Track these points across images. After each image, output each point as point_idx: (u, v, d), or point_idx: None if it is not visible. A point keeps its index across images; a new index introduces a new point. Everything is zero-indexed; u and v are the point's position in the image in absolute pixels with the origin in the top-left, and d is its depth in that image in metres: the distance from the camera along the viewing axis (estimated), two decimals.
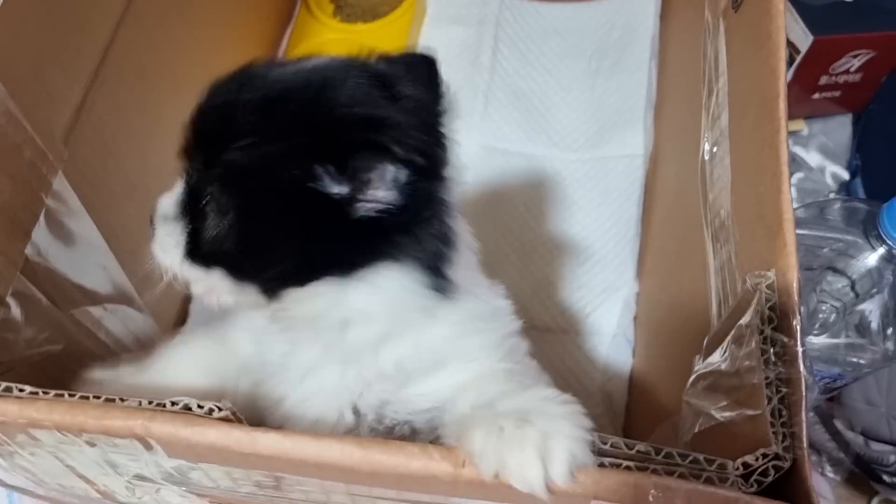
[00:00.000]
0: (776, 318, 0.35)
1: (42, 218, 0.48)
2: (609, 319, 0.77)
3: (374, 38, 0.88)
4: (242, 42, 0.80)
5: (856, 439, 0.67)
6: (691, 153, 0.65)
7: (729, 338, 0.39)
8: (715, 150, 0.48)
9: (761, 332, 0.35)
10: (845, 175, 0.82)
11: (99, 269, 0.57)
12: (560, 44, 0.92)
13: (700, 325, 0.54)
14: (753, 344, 0.35)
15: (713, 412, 0.39)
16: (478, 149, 0.86)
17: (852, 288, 0.59)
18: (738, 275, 0.41)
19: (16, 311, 0.46)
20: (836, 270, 0.63)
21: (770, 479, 0.32)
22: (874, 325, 0.56)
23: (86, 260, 0.54)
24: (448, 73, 0.92)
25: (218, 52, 0.74)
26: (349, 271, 0.37)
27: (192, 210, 0.40)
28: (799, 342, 0.34)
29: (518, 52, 0.92)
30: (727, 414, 0.37)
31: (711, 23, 0.53)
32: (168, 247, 0.41)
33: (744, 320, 0.37)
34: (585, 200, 0.84)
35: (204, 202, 0.39)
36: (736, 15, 0.48)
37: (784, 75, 0.40)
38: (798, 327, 0.34)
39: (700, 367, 0.43)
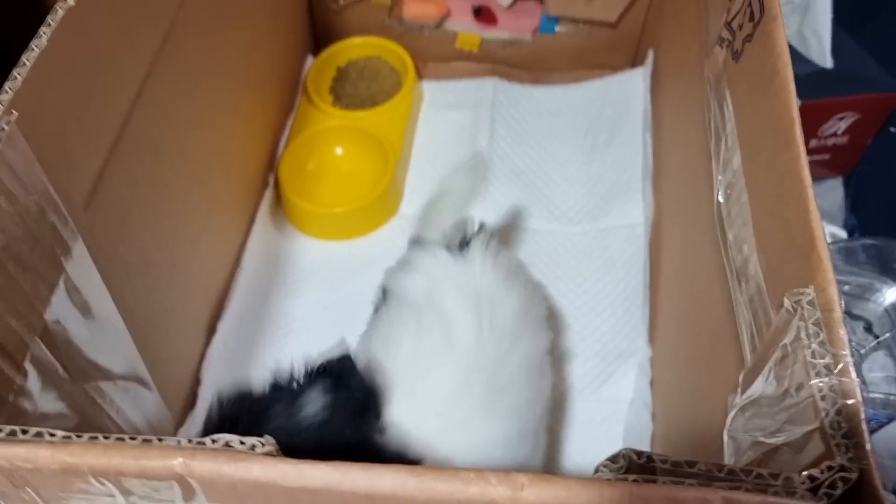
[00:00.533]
0: (821, 332, 0.35)
1: (62, 283, 0.47)
2: (625, 386, 0.76)
3: (374, 125, 0.91)
4: (248, 126, 0.82)
5: (888, 497, 0.65)
6: (697, 210, 0.67)
7: (771, 362, 0.38)
8: (730, 191, 0.49)
9: (808, 347, 0.34)
10: (843, 234, 0.83)
11: (113, 345, 0.56)
12: (554, 123, 0.96)
13: (725, 372, 0.54)
14: (801, 360, 0.35)
15: (764, 439, 0.38)
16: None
17: (869, 330, 0.60)
18: (770, 303, 0.41)
19: (33, 379, 0.45)
20: (851, 315, 0.63)
21: (839, 491, 0.31)
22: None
23: (101, 333, 0.53)
24: (448, 154, 0.95)
25: (225, 135, 0.76)
26: None
27: None
28: (848, 352, 0.34)
29: (514, 133, 0.95)
30: (781, 436, 0.36)
31: (712, 79, 0.55)
32: None
33: (787, 339, 0.36)
34: (590, 271, 0.85)
35: None
36: (737, 65, 0.51)
37: (796, 106, 0.41)
38: (845, 338, 0.34)
39: (740, 400, 0.42)
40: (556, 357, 0.72)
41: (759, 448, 0.38)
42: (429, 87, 0.99)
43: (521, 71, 1.01)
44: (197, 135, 0.68)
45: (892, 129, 0.85)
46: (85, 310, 0.51)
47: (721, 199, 0.50)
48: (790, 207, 0.40)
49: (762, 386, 0.39)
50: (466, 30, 1.00)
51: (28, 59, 0.42)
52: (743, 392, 0.43)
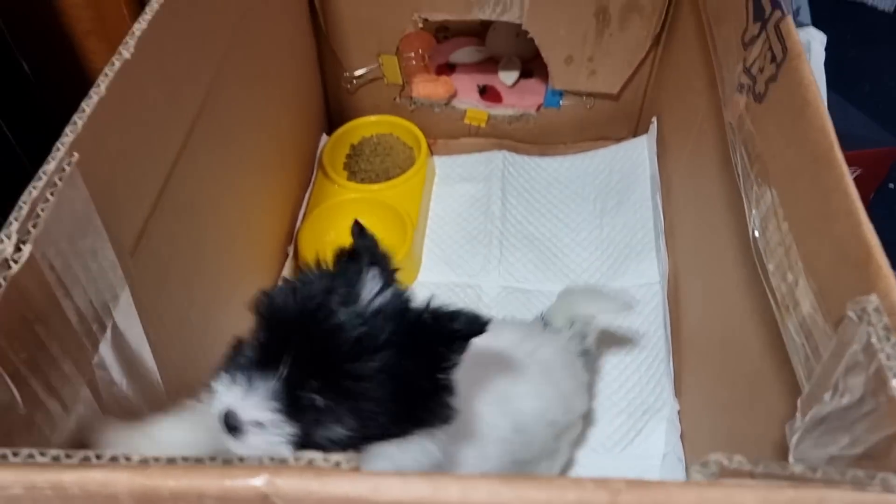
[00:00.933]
0: (892, 335, 0.35)
1: (109, 330, 0.46)
2: (655, 441, 0.75)
3: (389, 196, 0.92)
4: (271, 198, 0.83)
5: None
6: (719, 259, 0.68)
7: (838, 374, 0.38)
8: (766, 224, 0.51)
9: (882, 351, 0.35)
10: None
11: (147, 397, 0.54)
12: (563, 191, 0.98)
13: (769, 408, 0.54)
14: (875, 364, 0.35)
15: (840, 452, 0.37)
16: (499, 290, 0.88)
17: None
18: (826, 320, 0.42)
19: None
20: None
21: None
22: None
23: (140, 386, 0.52)
24: (463, 224, 0.97)
25: (250, 205, 0.77)
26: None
27: (293, 409, 0.43)
28: None
29: (525, 201, 0.97)
30: (860, 445, 0.36)
31: (735, 124, 0.57)
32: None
33: (856, 347, 0.37)
34: (611, 330, 0.85)
35: (312, 402, 0.44)
36: (761, 105, 0.53)
37: (832, 131, 0.43)
38: None
39: (804, 422, 0.42)
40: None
41: (837, 463, 0.37)
42: (440, 162, 1.02)
43: (528, 144, 1.04)
44: (227, 201, 0.69)
45: (892, 186, 0.88)
46: (127, 360, 0.50)
47: (757, 234, 0.52)
48: (840, 224, 0.41)
49: (830, 401, 0.39)
50: (474, 107, 1.03)
51: (87, 105, 0.44)
52: (804, 415, 0.42)
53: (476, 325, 0.46)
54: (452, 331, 0.45)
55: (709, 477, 0.31)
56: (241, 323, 0.76)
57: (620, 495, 0.30)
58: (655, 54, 0.93)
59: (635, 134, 1.02)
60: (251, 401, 0.43)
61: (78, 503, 0.31)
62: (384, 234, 0.90)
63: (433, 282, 0.90)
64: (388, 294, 0.46)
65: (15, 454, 0.31)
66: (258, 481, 0.30)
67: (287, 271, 0.86)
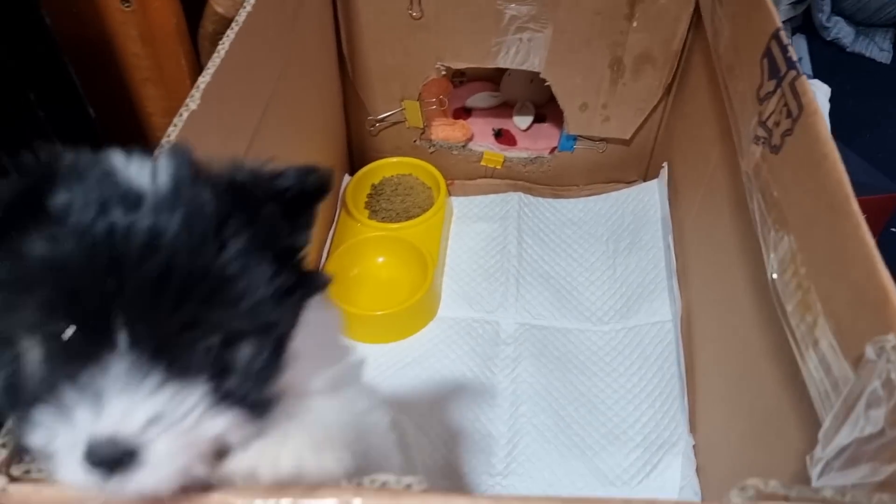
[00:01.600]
0: None
1: None
2: (671, 475, 0.77)
3: (410, 235, 0.96)
4: None
5: None
6: (734, 299, 0.71)
7: (860, 407, 0.41)
8: (784, 267, 0.54)
9: None
10: None
11: None
12: (577, 231, 1.02)
13: (788, 441, 0.57)
14: (895, 398, 0.38)
15: (861, 481, 0.40)
16: (516, 326, 0.91)
17: None
18: (845, 357, 0.45)
19: None
20: None
21: None
22: None
23: None
24: (481, 261, 1.00)
25: None
26: None
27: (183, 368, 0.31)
28: None
29: (540, 241, 1.01)
30: (881, 474, 0.39)
31: (751, 173, 0.61)
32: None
33: (876, 383, 0.40)
34: (624, 367, 0.88)
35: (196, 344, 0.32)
36: (777, 157, 0.57)
37: (849, 184, 0.47)
38: None
39: (825, 453, 0.45)
40: None
41: (860, 490, 0.40)
42: (458, 202, 1.05)
43: (542, 186, 1.08)
44: None
45: (893, 230, 0.92)
46: None
47: (775, 276, 0.55)
48: (857, 268, 0.44)
49: (851, 433, 0.42)
50: (490, 150, 1.07)
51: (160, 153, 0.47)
52: (825, 447, 0.45)
53: (310, 177, 0.35)
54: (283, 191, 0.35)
55: (747, 500, 0.34)
56: None
57: None
58: (666, 103, 0.98)
59: (645, 178, 1.07)
60: (138, 409, 0.29)
61: None
62: (407, 270, 0.93)
63: (452, 317, 0.93)
64: (182, 171, 0.34)
65: None
66: (337, 501, 0.33)
67: None
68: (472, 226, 1.03)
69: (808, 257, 0.51)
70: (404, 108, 1.01)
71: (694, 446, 0.78)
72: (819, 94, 0.91)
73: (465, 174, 1.08)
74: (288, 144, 0.79)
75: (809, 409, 0.51)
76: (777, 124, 0.57)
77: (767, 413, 0.62)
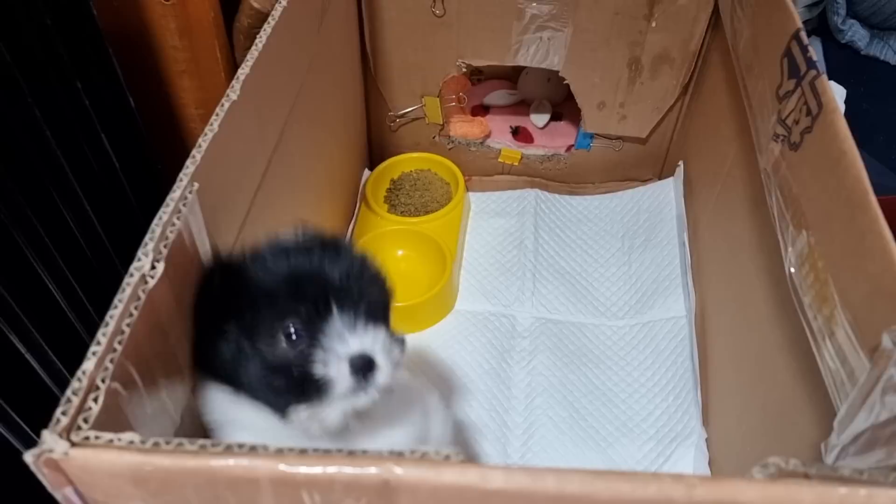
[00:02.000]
0: None
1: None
2: (683, 467, 0.79)
3: (429, 229, 0.98)
4: (324, 223, 0.88)
5: None
6: (749, 294, 0.73)
7: (875, 394, 0.43)
8: (801, 261, 0.56)
9: None
10: None
11: None
12: (593, 228, 1.03)
13: (801, 433, 0.58)
14: None
15: (876, 464, 0.42)
16: (532, 320, 0.93)
17: None
18: (860, 348, 0.47)
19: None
20: None
21: None
22: None
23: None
24: (497, 256, 1.02)
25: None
26: None
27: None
28: None
29: (556, 237, 1.02)
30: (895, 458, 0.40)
31: (770, 169, 0.63)
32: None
33: (893, 370, 0.41)
34: (638, 361, 0.89)
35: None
36: (797, 154, 0.58)
37: (867, 180, 0.48)
38: None
39: (840, 439, 0.46)
40: None
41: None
42: (475, 198, 1.07)
43: (558, 183, 1.10)
44: (290, 230, 0.74)
45: None
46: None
47: (793, 269, 0.57)
48: (874, 262, 0.46)
49: (867, 419, 0.44)
50: (507, 147, 1.09)
51: (204, 141, 0.49)
52: (840, 433, 0.47)
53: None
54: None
55: (768, 476, 0.36)
56: None
57: (695, 489, 0.35)
58: (683, 102, 0.99)
59: (661, 176, 1.08)
60: (366, 338, 0.47)
61: (220, 487, 0.36)
62: (425, 264, 0.95)
63: (469, 310, 0.95)
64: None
65: (167, 442, 0.36)
66: (379, 469, 0.35)
67: None
68: (489, 221, 1.05)
69: (825, 251, 0.53)
70: (424, 105, 1.03)
71: (707, 439, 0.80)
72: (835, 95, 0.92)
73: (482, 170, 1.09)
74: (314, 136, 0.81)
75: (822, 402, 0.52)
76: (797, 122, 0.59)
77: (781, 406, 0.63)
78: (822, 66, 1.12)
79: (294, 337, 0.47)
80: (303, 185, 0.78)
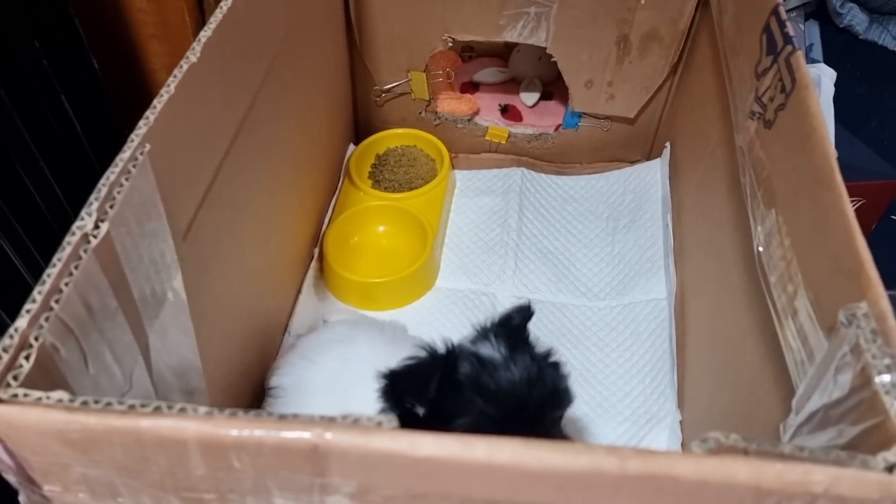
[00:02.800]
0: (878, 338, 0.39)
1: (163, 311, 0.51)
2: (657, 448, 0.78)
3: (412, 205, 0.97)
4: (301, 201, 0.88)
5: None
6: (725, 276, 0.72)
7: (830, 374, 0.42)
8: (769, 240, 0.55)
9: (868, 351, 0.39)
10: None
11: (190, 384, 0.58)
12: (577, 208, 1.02)
13: (765, 414, 0.57)
14: (862, 364, 0.39)
15: (827, 444, 0.41)
16: (513, 300, 0.92)
17: None
18: (820, 327, 0.46)
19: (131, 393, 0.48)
20: None
21: None
22: None
23: (182, 365, 0.56)
24: (480, 234, 1.01)
25: (284, 207, 0.82)
26: None
27: None
28: None
29: (541, 217, 1.01)
30: (845, 437, 0.39)
31: (745, 148, 0.61)
32: None
33: (845, 349, 0.41)
34: (617, 342, 0.89)
35: None
36: (770, 131, 0.57)
37: (834, 156, 0.47)
38: None
39: (797, 419, 0.45)
40: None
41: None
42: (461, 175, 1.06)
43: (546, 162, 1.08)
44: (264, 200, 0.74)
45: (894, 217, 0.92)
46: (173, 340, 0.54)
47: (761, 248, 0.56)
48: (836, 239, 0.45)
49: (820, 399, 0.43)
50: (495, 125, 1.08)
51: (159, 102, 0.48)
52: (797, 413, 0.46)
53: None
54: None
55: (707, 450, 0.35)
56: (269, 315, 0.81)
57: (629, 461, 0.34)
58: (672, 82, 0.98)
59: (649, 157, 1.07)
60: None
61: (149, 447, 0.35)
62: (407, 240, 0.94)
63: (450, 288, 0.94)
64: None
65: (96, 402, 0.35)
66: (310, 434, 0.34)
67: (312, 272, 0.91)
68: (474, 199, 1.04)
69: (792, 229, 0.52)
70: (410, 80, 1.01)
71: (681, 421, 0.79)
72: (825, 78, 0.90)
73: (469, 148, 1.08)
74: (292, 107, 0.80)
75: (788, 383, 0.52)
76: (772, 99, 0.58)
77: (749, 388, 0.63)
78: (818, 50, 1.10)
79: None
80: (279, 156, 0.77)
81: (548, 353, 0.62)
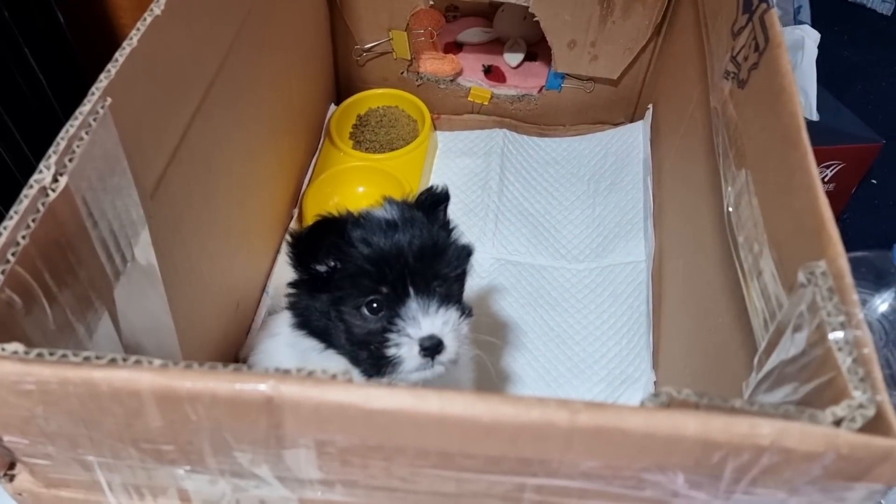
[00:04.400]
0: (835, 295, 0.39)
1: (130, 266, 0.51)
2: None
3: (392, 167, 0.96)
4: (279, 161, 0.87)
5: None
6: (700, 239, 0.72)
7: (789, 331, 0.42)
8: (739, 200, 0.55)
9: (823, 309, 0.39)
10: None
11: (160, 340, 0.59)
12: (559, 171, 1.02)
13: (733, 375, 0.58)
14: (818, 321, 0.39)
15: (783, 400, 0.41)
16: (491, 261, 0.92)
17: None
18: (783, 286, 0.46)
19: (96, 349, 0.48)
20: None
21: (858, 426, 0.35)
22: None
23: (153, 323, 0.56)
24: (461, 196, 1.01)
25: (261, 166, 0.81)
26: None
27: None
28: (859, 310, 0.38)
29: (522, 178, 1.01)
30: (800, 393, 0.40)
31: (720, 108, 0.61)
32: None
33: (803, 307, 0.41)
34: (595, 304, 0.89)
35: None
36: (743, 91, 0.57)
37: (802, 115, 0.47)
38: (857, 299, 0.38)
39: (757, 376, 0.46)
40: None
41: None
42: (442, 137, 1.05)
43: (528, 124, 1.08)
44: (239, 159, 0.73)
45: (874, 181, 0.92)
46: (142, 298, 0.54)
47: (731, 209, 0.56)
48: (800, 198, 0.45)
49: (778, 356, 0.43)
50: (478, 86, 1.07)
51: (120, 55, 0.48)
52: (758, 372, 0.47)
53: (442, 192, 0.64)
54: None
55: (658, 404, 0.36)
56: (246, 275, 0.81)
57: (579, 414, 0.34)
58: (656, 44, 0.97)
59: (632, 120, 1.06)
60: (437, 321, 0.54)
61: (105, 399, 0.36)
62: None
63: None
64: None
65: (51, 353, 0.35)
66: (264, 386, 0.34)
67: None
68: (455, 160, 1.03)
69: (760, 189, 0.52)
70: (392, 39, 1.00)
71: (655, 382, 0.80)
72: (808, 39, 0.90)
73: (451, 109, 1.07)
74: (269, 65, 0.79)
75: (754, 343, 0.52)
76: (746, 59, 0.57)
77: (719, 349, 0.63)
78: (806, 12, 1.09)
79: (373, 315, 0.54)
80: (253, 113, 0.76)
81: (446, 223, 0.64)
